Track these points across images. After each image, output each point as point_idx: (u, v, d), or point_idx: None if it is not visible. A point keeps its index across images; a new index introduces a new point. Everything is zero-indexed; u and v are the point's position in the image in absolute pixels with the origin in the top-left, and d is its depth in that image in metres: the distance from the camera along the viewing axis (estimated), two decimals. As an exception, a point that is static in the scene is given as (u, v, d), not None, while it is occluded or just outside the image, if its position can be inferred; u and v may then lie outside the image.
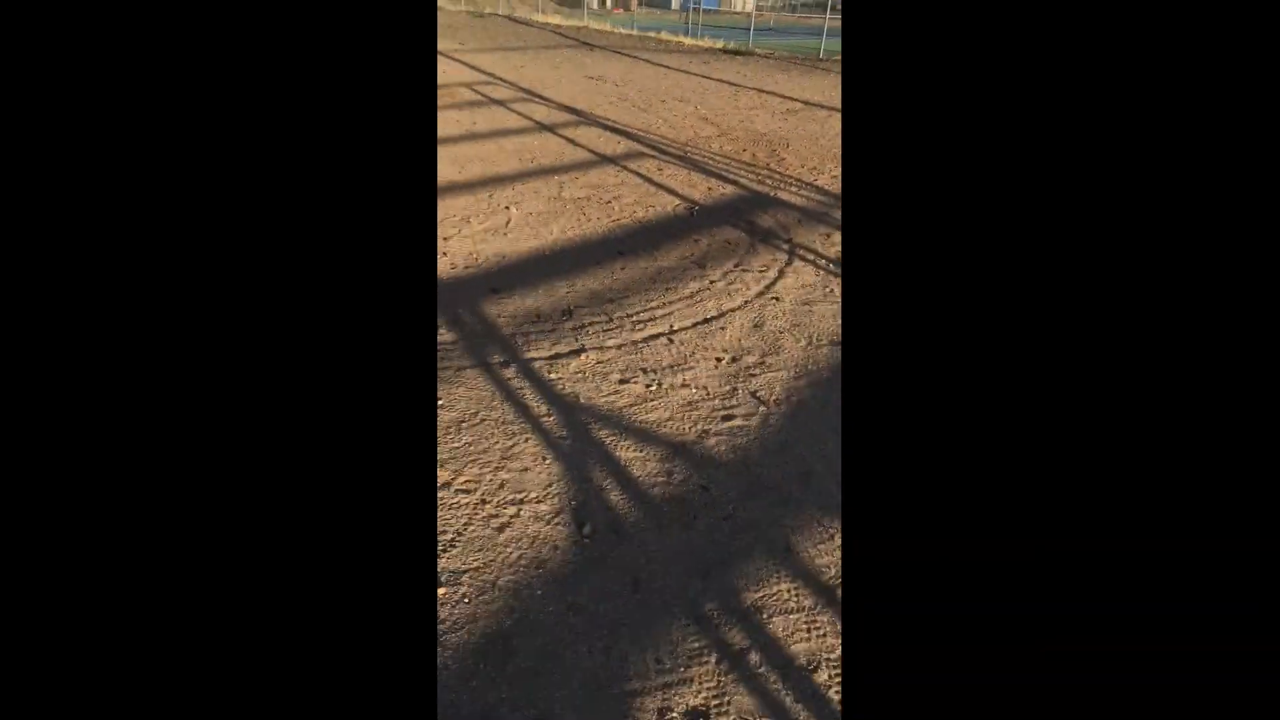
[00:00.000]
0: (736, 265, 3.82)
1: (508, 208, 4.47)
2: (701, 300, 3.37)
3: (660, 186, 5.14)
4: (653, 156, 5.93)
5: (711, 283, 3.58)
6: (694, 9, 18.24)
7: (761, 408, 2.51)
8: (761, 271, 3.76)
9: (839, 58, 13.56)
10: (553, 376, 2.63)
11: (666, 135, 6.69)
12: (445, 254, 3.71)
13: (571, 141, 6.23)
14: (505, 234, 4.06)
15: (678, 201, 4.83)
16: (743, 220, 4.53)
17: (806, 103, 8.76)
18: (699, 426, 2.38)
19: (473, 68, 9.76)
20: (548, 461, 2.15)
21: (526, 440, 2.25)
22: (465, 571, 1.73)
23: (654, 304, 3.30)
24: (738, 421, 2.42)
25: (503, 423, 2.33)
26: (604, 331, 3.00)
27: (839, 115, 8.06)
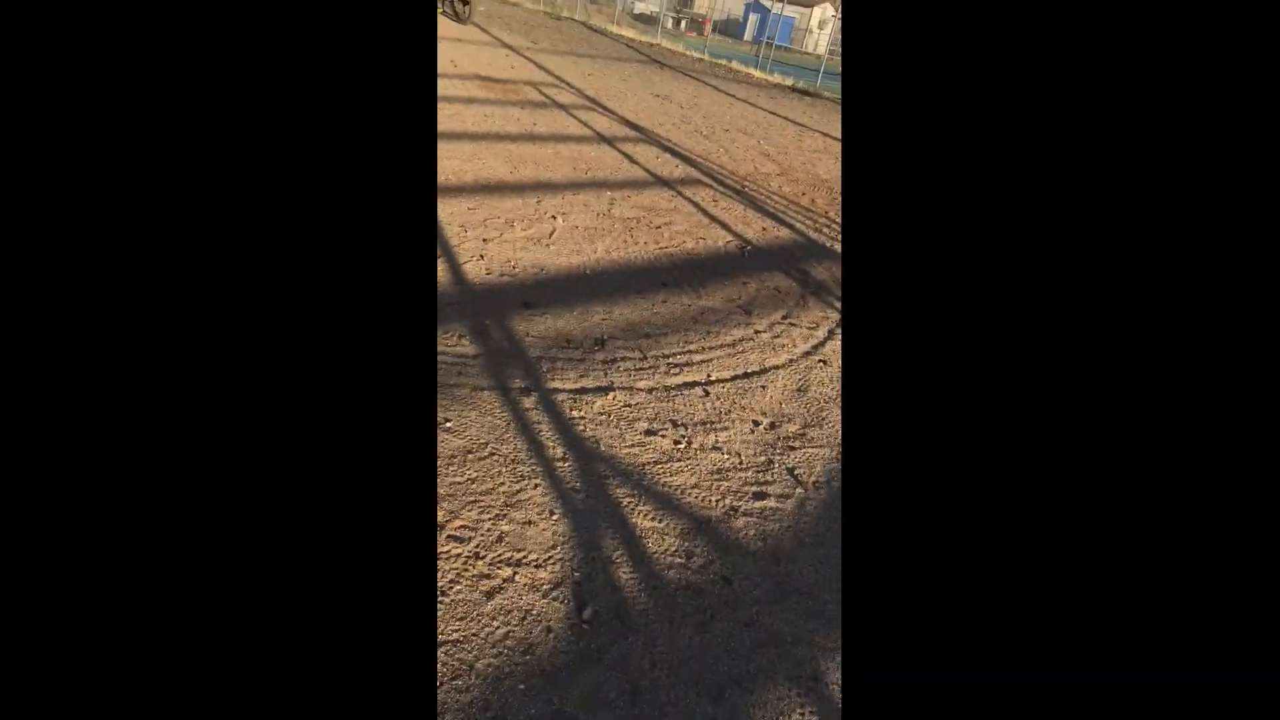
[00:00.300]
0: (784, 317, 3.57)
1: (554, 217, 4.27)
2: (744, 351, 3.12)
3: (714, 219, 4.92)
4: (709, 186, 5.72)
5: (757, 333, 3.34)
6: (766, 43, 18.17)
7: (799, 489, 2.25)
8: (810, 328, 3.51)
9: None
10: (575, 414, 2.40)
11: (726, 166, 6.49)
12: (483, 257, 3.50)
13: (629, 158, 6.05)
14: (548, 245, 3.85)
15: (730, 238, 4.60)
16: (796, 269, 4.29)
17: (872, 154, 8.51)
18: (727, 501, 2.13)
19: (541, 68, 9.66)
20: (555, 517, 1.91)
21: (535, 487, 2.01)
22: (441, 644, 1.49)
23: (693, 347, 3.06)
24: (771, 502, 2.16)
25: (513, 461, 2.10)
26: (636, 370, 2.77)
27: (904, 172, 7.80)
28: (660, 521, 1.98)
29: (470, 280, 3.24)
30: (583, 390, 2.56)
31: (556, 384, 2.56)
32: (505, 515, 1.88)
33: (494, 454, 2.11)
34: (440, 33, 10.22)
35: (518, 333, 2.87)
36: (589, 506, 1.97)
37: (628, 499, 2.04)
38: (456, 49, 9.30)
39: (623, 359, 2.83)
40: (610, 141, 6.46)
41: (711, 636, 1.64)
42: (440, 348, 2.63)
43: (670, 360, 2.90)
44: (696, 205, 5.14)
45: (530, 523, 1.87)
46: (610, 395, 2.55)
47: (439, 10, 12.47)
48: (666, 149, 6.66)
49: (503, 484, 1.99)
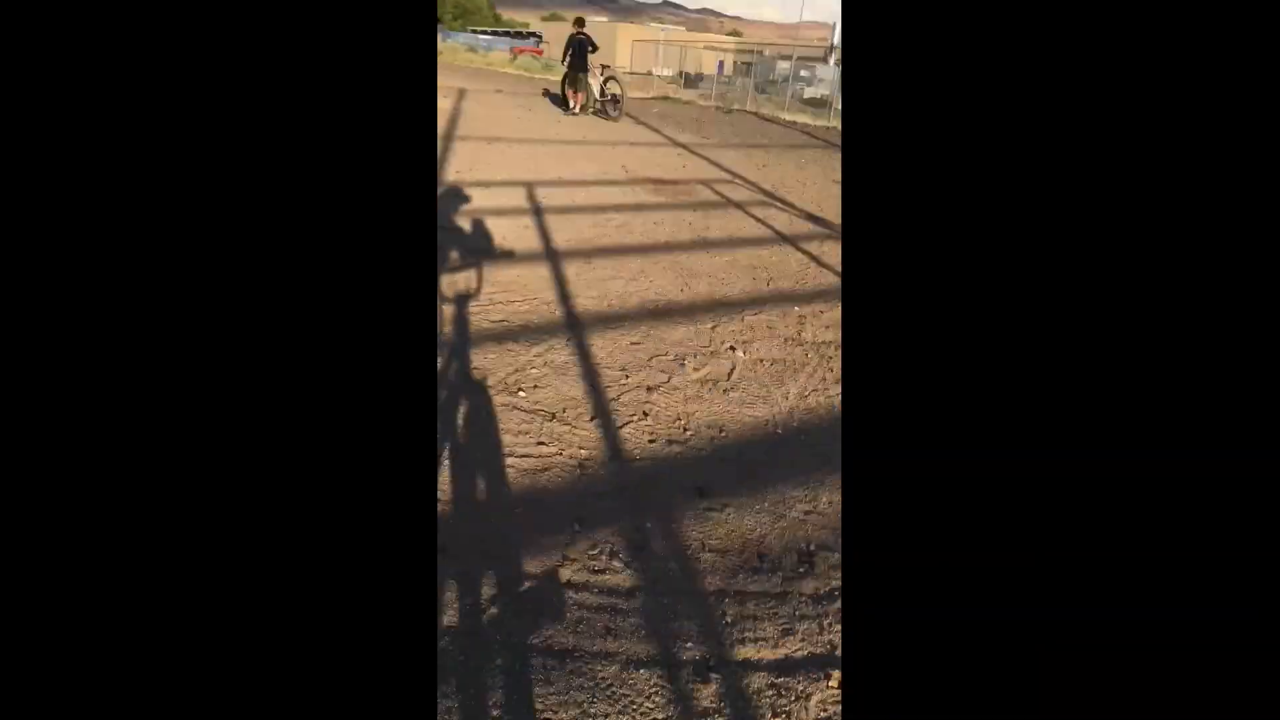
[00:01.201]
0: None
1: (732, 348, 3.51)
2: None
3: (933, 337, 3.89)
4: (919, 290, 4.69)
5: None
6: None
7: None
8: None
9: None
10: (780, 725, 1.51)
11: (935, 262, 5.42)
12: (647, 415, 2.80)
13: (815, 259, 5.22)
14: (726, 390, 3.08)
15: (961, 365, 3.55)
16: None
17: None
18: None
19: (714, 163, 9.29)
20: None
21: None
22: None
23: (945, 564, 2.06)
24: None
25: None
26: (867, 618, 1.83)
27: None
28: None
29: (630, 453, 2.52)
30: (788, 664, 1.67)
31: (749, 651, 1.70)
32: None
33: (652, 825, 1.27)
34: (612, 137, 10.30)
35: (690, 542, 2.08)
36: None
37: None
38: (629, 153, 9.21)
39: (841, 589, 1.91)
40: (792, 241, 5.69)
41: None
42: (582, 572, 1.90)
43: (916, 595, 1.93)
44: (908, 319, 4.15)
45: None
46: (834, 678, 1.64)
47: (589, 111, 12.69)
48: (859, 245, 5.75)
49: None
